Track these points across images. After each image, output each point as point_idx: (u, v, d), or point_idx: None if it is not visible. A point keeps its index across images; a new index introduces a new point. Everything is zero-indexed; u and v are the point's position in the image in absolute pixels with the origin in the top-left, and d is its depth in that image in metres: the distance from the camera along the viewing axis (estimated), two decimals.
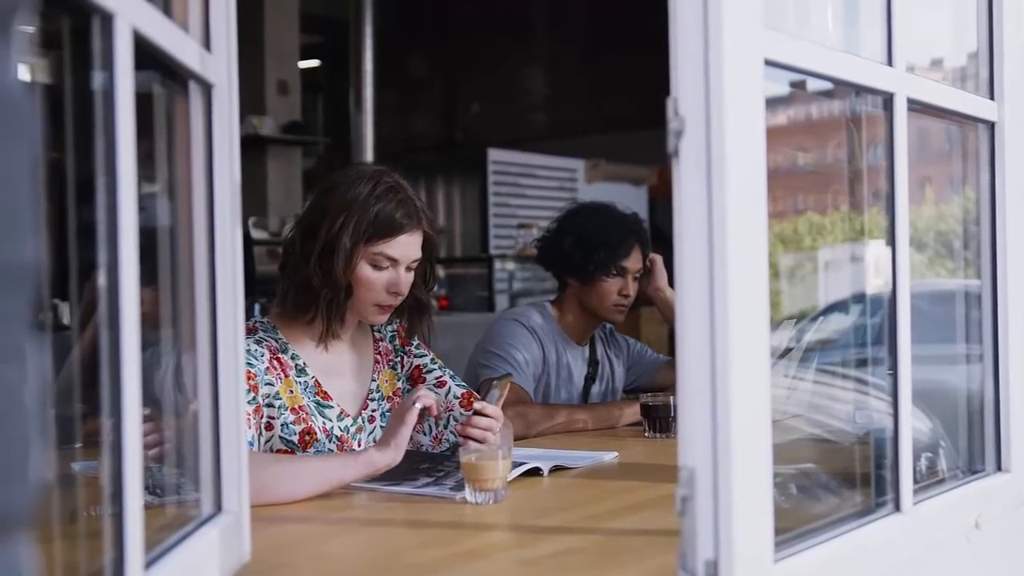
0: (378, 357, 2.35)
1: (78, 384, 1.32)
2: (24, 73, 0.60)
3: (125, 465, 1.01)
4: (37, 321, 0.60)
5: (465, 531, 1.72)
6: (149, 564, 1.09)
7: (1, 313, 0.58)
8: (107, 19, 0.98)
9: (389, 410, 2.31)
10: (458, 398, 2.32)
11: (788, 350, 2.16)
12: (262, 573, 1.44)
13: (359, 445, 2.23)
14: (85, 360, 1.32)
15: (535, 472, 2.09)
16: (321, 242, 2.13)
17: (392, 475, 2.02)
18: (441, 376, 2.37)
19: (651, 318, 6.56)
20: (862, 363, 1.90)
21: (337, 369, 2.26)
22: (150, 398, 1.13)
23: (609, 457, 2.32)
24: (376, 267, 2.16)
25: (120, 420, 1.01)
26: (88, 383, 1.10)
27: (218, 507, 1.37)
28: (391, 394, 2.34)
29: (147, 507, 1.07)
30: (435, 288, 2.42)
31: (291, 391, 2.15)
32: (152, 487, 1.29)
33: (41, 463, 0.61)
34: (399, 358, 2.38)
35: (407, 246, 2.18)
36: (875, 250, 1.94)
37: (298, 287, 2.18)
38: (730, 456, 1.15)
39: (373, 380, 2.32)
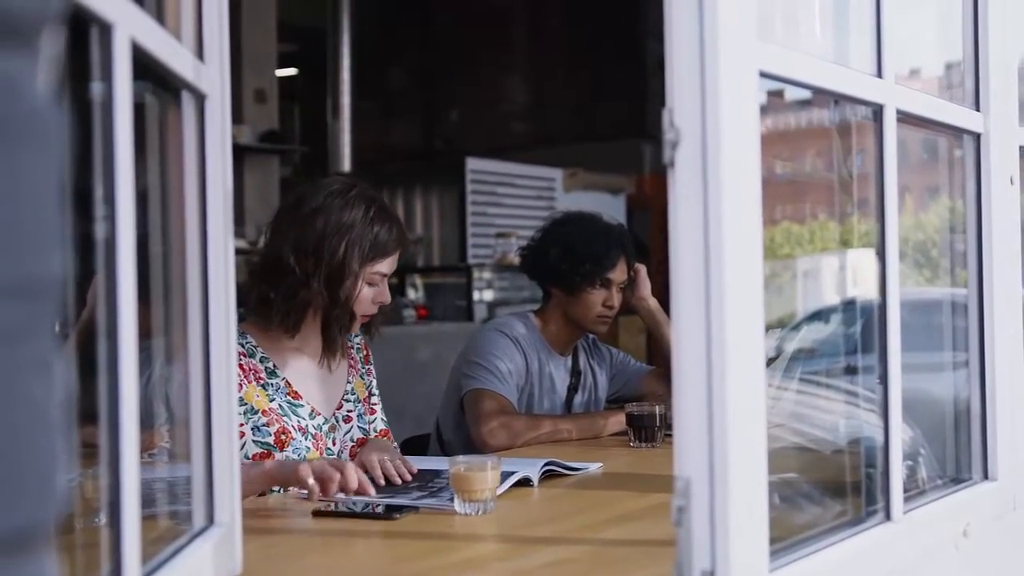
0: (351, 362, 2.43)
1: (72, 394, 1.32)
2: (51, 85, 0.60)
3: (123, 478, 1.00)
4: (60, 335, 0.60)
5: (456, 542, 1.72)
6: None
7: (29, 325, 0.58)
8: (106, 29, 0.97)
9: (362, 413, 2.39)
10: (377, 432, 2.42)
11: (771, 360, 2.17)
12: None
13: (334, 444, 2.31)
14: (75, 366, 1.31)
15: (524, 483, 2.09)
16: (326, 267, 2.19)
17: (385, 489, 2.01)
18: (376, 405, 2.48)
19: (629, 327, 6.58)
20: (845, 372, 1.91)
21: (310, 372, 2.32)
22: (141, 409, 1.12)
23: (594, 467, 2.32)
24: (370, 284, 2.26)
25: (117, 432, 1.00)
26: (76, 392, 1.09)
27: (210, 520, 1.36)
28: (363, 399, 2.43)
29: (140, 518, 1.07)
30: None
31: (257, 395, 2.20)
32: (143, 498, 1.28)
33: (65, 476, 0.61)
34: (365, 369, 2.48)
35: (395, 261, 2.30)
36: (854, 259, 1.96)
37: (298, 307, 2.22)
38: (726, 466, 1.15)
39: (348, 382, 2.39)
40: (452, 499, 1.86)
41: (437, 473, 2.16)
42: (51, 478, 0.59)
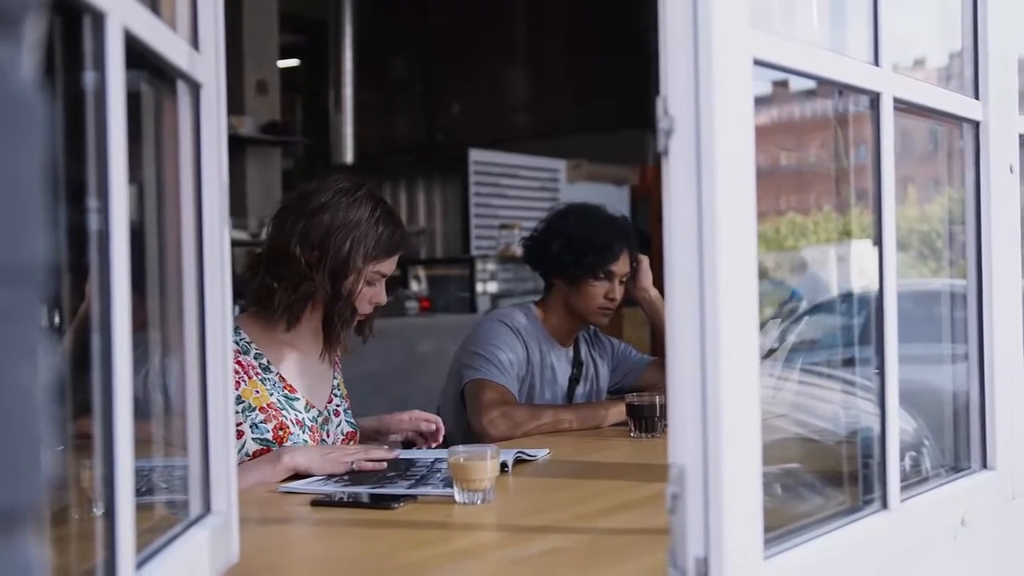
0: (336, 360, 2.46)
1: (66, 384, 1.32)
2: (33, 72, 0.60)
3: (117, 467, 1.00)
4: (45, 319, 0.60)
5: (454, 531, 1.72)
6: (140, 565, 1.09)
7: (13, 310, 0.58)
8: (98, 18, 0.97)
9: (347, 408, 2.43)
10: (344, 435, 2.41)
11: (772, 350, 2.17)
12: (250, 574, 1.43)
13: (327, 435, 2.34)
14: (70, 359, 1.32)
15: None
16: (331, 261, 2.22)
17: (372, 479, 2.02)
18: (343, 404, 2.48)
19: (633, 319, 6.58)
20: (846, 363, 1.91)
21: (302, 366, 2.34)
22: (136, 400, 1.12)
23: (542, 455, 2.33)
24: (369, 283, 2.29)
25: (111, 422, 1.00)
26: (72, 384, 1.09)
27: (207, 508, 1.36)
28: (345, 395, 2.46)
29: (136, 508, 1.07)
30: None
31: (257, 391, 2.23)
32: (140, 488, 1.28)
33: (51, 460, 0.61)
34: (343, 367, 2.51)
35: (395, 263, 2.34)
36: (858, 250, 1.95)
37: (301, 299, 2.25)
38: (720, 453, 1.15)
39: (335, 378, 2.43)
40: (446, 485, 1.86)
41: (412, 462, 2.18)
42: (35, 461, 0.59)
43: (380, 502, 1.85)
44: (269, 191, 7.59)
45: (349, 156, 8.59)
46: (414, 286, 7.36)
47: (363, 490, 1.94)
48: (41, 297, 0.61)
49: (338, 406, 2.41)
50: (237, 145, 7.14)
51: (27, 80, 0.59)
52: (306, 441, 2.25)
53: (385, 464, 2.12)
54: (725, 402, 1.15)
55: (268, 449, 2.19)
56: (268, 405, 2.22)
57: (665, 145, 1.18)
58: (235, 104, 7.16)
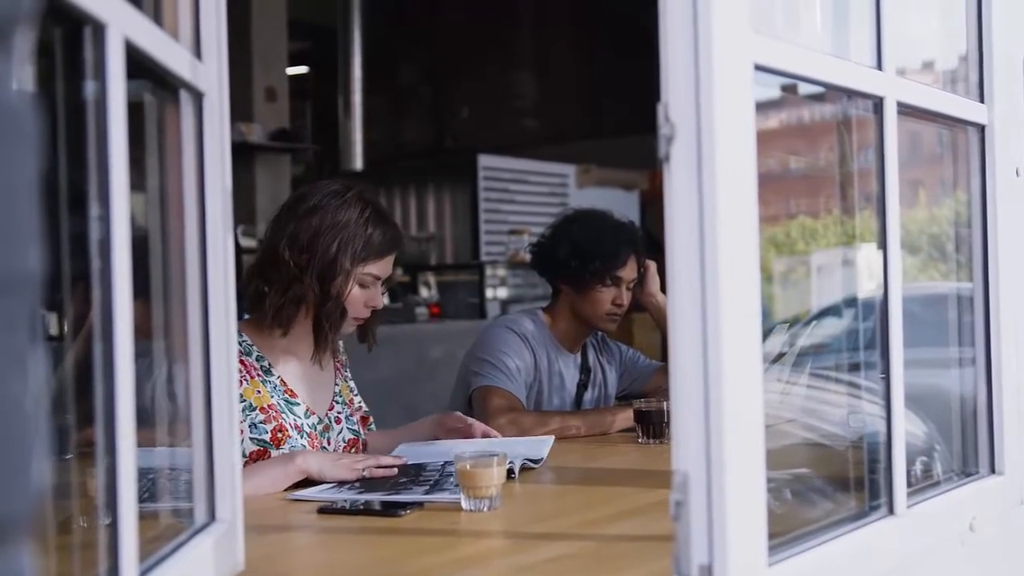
0: (338, 365, 2.47)
1: (70, 394, 1.33)
2: (25, 82, 0.61)
3: (119, 475, 1.01)
4: (37, 329, 0.61)
5: (460, 538, 1.72)
6: (143, 573, 1.09)
7: (5, 320, 0.58)
8: (99, 29, 0.98)
9: (349, 415, 2.43)
10: (345, 443, 2.41)
11: (781, 355, 2.17)
12: None
13: (328, 443, 2.34)
14: (77, 368, 1.32)
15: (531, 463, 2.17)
16: (319, 262, 2.22)
17: (385, 486, 2.02)
18: (357, 397, 2.51)
19: (643, 324, 6.57)
20: (855, 367, 1.90)
21: (302, 372, 2.35)
22: (142, 409, 1.13)
23: (546, 446, 2.35)
24: (362, 286, 2.29)
25: (114, 430, 1.01)
26: (79, 393, 1.10)
27: (212, 516, 1.36)
28: (348, 401, 2.46)
29: (140, 516, 1.07)
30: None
31: (258, 391, 2.24)
32: (143, 496, 1.28)
33: (43, 470, 0.61)
34: (348, 372, 2.51)
35: (390, 265, 2.33)
36: (867, 254, 1.95)
37: (291, 302, 2.25)
38: (723, 460, 1.15)
39: (336, 384, 2.43)
40: (454, 491, 1.86)
41: (422, 467, 2.18)
42: (26, 471, 0.59)
43: (388, 509, 1.85)
44: (278, 198, 7.57)
45: (359, 162, 8.60)
46: (424, 292, 7.36)
47: (376, 497, 1.94)
48: (34, 307, 0.61)
49: (339, 413, 2.41)
50: (246, 152, 7.14)
51: (19, 90, 0.59)
52: (304, 446, 2.25)
53: (396, 471, 2.11)
54: (728, 408, 1.15)
55: (266, 451, 2.19)
56: (268, 406, 2.23)
57: (666, 151, 1.18)
58: (244, 111, 7.16)
